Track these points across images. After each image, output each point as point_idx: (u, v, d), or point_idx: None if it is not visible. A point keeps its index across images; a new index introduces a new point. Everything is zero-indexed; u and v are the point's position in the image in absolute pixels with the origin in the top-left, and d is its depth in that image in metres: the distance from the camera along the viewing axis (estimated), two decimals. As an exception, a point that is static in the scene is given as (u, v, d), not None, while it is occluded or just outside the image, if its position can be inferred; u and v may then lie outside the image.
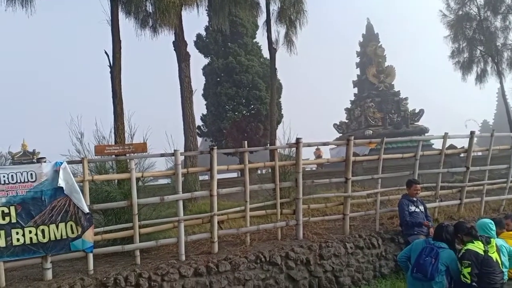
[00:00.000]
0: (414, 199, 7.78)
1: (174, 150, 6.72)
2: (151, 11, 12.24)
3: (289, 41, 11.75)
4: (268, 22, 12.09)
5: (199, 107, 22.98)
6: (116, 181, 7.76)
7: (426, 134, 26.95)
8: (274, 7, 12.01)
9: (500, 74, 19.30)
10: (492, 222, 6.16)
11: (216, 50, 22.77)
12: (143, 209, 7.61)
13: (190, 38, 24.26)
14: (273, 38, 12.03)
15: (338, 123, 32.33)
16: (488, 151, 9.18)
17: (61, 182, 5.77)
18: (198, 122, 23.33)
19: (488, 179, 9.53)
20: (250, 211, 7.39)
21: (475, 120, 45.79)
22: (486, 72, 20.05)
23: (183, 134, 13.66)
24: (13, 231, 5.50)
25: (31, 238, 5.58)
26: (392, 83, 29.85)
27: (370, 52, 29.73)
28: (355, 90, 31.79)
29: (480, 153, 15.62)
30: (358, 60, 31.37)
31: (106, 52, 10.10)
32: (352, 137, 7.97)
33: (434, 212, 8.73)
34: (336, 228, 8.41)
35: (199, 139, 23.34)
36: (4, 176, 5.50)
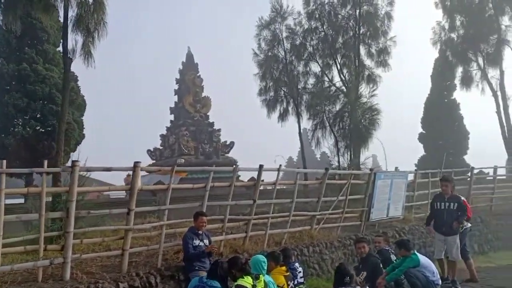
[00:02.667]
0: (200, 232, 7.47)
1: None
2: None
3: (87, 52, 10.62)
4: (65, 28, 10.79)
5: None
6: None
7: (234, 166, 28.01)
8: (73, 13, 10.78)
9: (298, 115, 21.26)
10: (265, 260, 6.14)
11: (7, 53, 19.56)
12: None
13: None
14: (70, 46, 10.75)
15: (152, 149, 31.45)
16: (275, 185, 9.54)
17: None
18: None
19: (280, 212, 9.92)
20: (3, 248, 5.98)
21: (283, 156, 50.38)
22: (287, 112, 21.95)
23: None
24: None
25: None
26: (208, 113, 30.56)
27: (189, 81, 30.03)
28: (172, 117, 31.54)
29: (284, 186, 16.78)
30: (176, 87, 31.34)
31: None
32: (140, 163, 7.28)
33: (220, 245, 8.53)
34: (116, 265, 7.51)
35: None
36: None
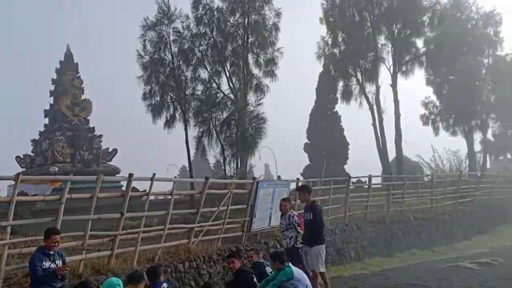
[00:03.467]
0: (51, 252, 6.35)
1: None
2: None
3: None
4: None
5: None
6: None
7: (117, 175, 26.24)
8: None
9: (186, 122, 20.42)
10: (120, 283, 5.28)
11: None
12: None
13: None
14: None
15: (22, 156, 28.01)
16: (147, 196, 8.66)
17: None
18: None
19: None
20: None
21: (176, 164, 48.58)
22: (174, 118, 20.96)
23: None
24: None
25: None
26: (88, 118, 28.09)
27: (67, 82, 27.28)
28: (46, 121, 28.47)
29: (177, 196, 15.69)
30: (53, 88, 28.41)
31: None
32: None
33: (79, 266, 7.42)
34: None
35: None
36: None
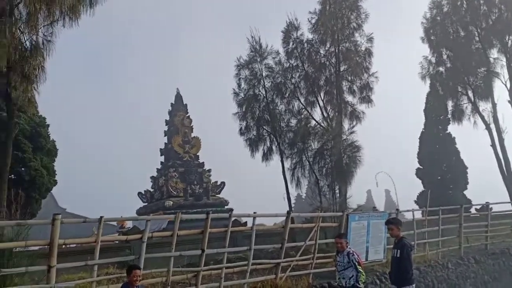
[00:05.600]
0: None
1: None
2: None
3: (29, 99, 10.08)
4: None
5: None
6: None
7: (226, 207, 27.49)
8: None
9: (282, 154, 20.45)
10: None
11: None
12: None
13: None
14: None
15: (143, 192, 30.91)
16: (227, 231, 8.78)
17: None
18: None
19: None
20: None
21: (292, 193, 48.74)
22: (271, 151, 21.09)
23: None
24: None
25: None
26: (197, 154, 30.12)
27: (177, 122, 29.82)
28: (162, 159, 31.14)
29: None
30: (166, 128, 31.13)
31: None
32: None
33: (163, 303, 7.77)
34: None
35: None
36: None
